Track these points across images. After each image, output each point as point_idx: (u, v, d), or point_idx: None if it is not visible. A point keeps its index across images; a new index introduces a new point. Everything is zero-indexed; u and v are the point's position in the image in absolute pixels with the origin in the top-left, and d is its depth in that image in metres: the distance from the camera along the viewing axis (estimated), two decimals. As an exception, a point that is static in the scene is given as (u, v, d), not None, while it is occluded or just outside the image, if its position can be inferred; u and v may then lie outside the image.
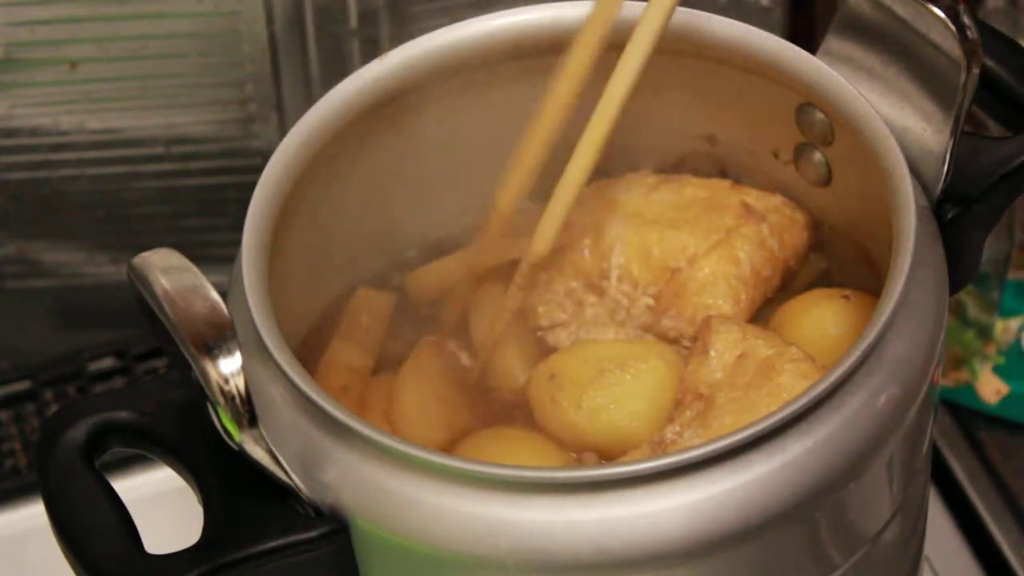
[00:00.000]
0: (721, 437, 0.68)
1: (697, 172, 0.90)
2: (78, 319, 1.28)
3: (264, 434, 0.70)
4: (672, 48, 0.83)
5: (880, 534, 0.76)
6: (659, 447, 0.78)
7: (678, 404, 0.79)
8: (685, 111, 0.88)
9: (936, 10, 0.77)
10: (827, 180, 0.86)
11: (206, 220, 1.24)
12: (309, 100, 0.99)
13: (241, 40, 1.16)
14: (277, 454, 0.70)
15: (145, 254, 0.70)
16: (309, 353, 0.84)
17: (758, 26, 0.83)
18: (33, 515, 1.09)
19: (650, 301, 0.86)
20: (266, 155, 0.80)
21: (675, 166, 0.91)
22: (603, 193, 0.89)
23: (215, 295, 0.69)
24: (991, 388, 1.18)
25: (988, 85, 0.81)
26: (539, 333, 0.87)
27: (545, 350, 0.85)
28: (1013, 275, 1.19)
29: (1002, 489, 1.13)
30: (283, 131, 1.08)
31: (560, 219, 0.82)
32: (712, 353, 0.80)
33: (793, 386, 0.76)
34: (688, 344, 0.84)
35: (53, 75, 1.16)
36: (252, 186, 0.78)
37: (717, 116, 0.89)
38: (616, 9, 0.80)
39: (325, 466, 0.71)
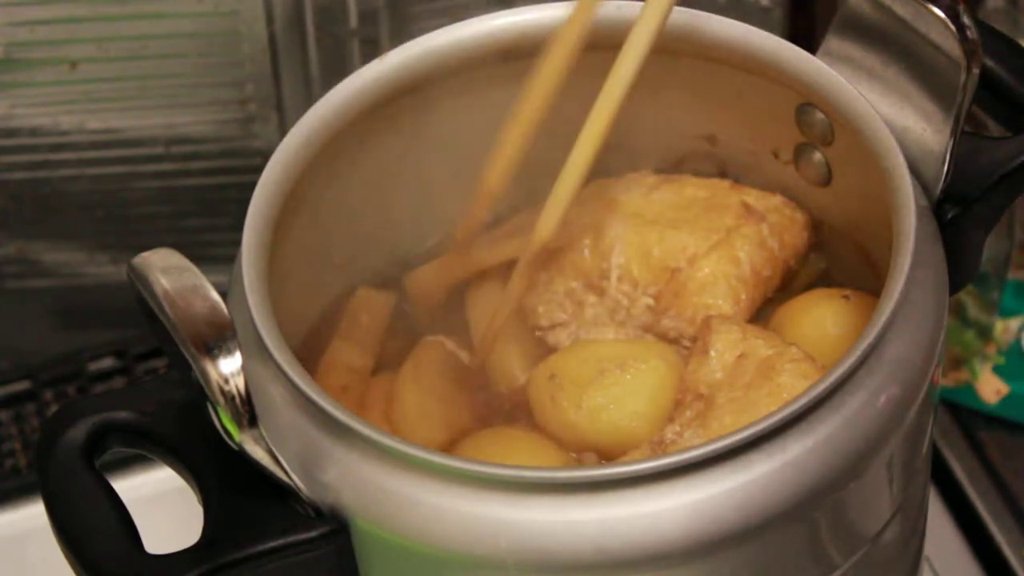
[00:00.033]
0: (721, 437, 0.68)
1: (697, 172, 0.90)
2: (78, 319, 1.28)
3: (264, 434, 0.70)
4: (672, 48, 0.83)
5: (880, 534, 0.76)
6: (659, 447, 0.78)
7: (678, 404, 0.79)
8: (685, 111, 0.88)
9: (936, 10, 0.77)
10: (827, 180, 0.86)
11: (206, 220, 1.24)
12: (309, 100, 0.98)
13: (241, 40, 1.16)
14: (277, 454, 0.70)
15: (145, 254, 0.70)
16: (309, 353, 0.84)
17: (758, 26, 0.83)
18: (33, 515, 1.09)
19: (650, 301, 0.86)
20: (266, 155, 0.80)
21: (675, 166, 0.91)
22: (603, 193, 0.89)
23: (215, 295, 0.69)
24: (991, 388, 1.18)
25: (988, 85, 0.81)
26: (539, 333, 0.87)
27: (545, 350, 0.85)
28: (1013, 275, 1.19)
29: (1002, 489, 1.13)
30: (283, 131, 1.08)
31: (566, 203, 0.81)
32: (712, 353, 0.80)
33: (793, 386, 0.76)
34: (688, 344, 0.84)
35: (53, 75, 1.16)
36: (252, 186, 0.78)
37: (717, 116, 0.89)
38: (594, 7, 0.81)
39: (325, 466, 0.71)
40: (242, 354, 0.68)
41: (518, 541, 0.68)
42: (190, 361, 0.68)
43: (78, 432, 0.74)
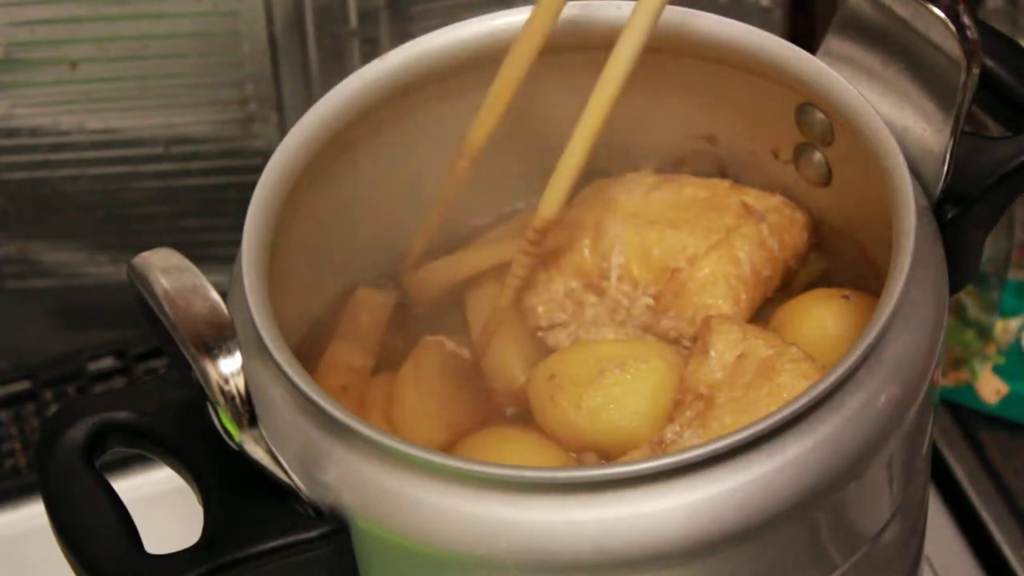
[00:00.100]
0: (721, 437, 0.68)
1: (697, 172, 0.90)
2: (78, 319, 1.28)
3: (264, 434, 0.70)
4: (672, 48, 0.83)
5: (880, 534, 0.76)
6: (659, 447, 0.78)
7: (678, 404, 0.79)
8: (685, 111, 0.88)
9: (936, 10, 0.77)
10: (827, 180, 0.86)
11: (206, 220, 1.24)
12: (309, 100, 0.98)
13: (241, 40, 1.16)
14: (277, 454, 0.70)
15: (145, 254, 0.70)
16: (309, 353, 0.84)
17: (758, 26, 0.83)
18: (33, 515, 1.09)
19: (650, 301, 0.86)
20: (266, 155, 0.80)
21: (675, 166, 0.91)
22: (603, 193, 0.89)
23: (215, 295, 0.69)
24: (991, 388, 1.18)
25: (988, 85, 0.81)
26: (539, 333, 0.87)
27: (545, 350, 0.85)
28: (1013, 275, 1.19)
29: (1002, 489, 1.13)
30: (283, 131, 1.08)
31: (570, 181, 0.81)
32: (712, 353, 0.80)
33: (793, 386, 0.76)
34: (688, 344, 0.84)
35: (53, 75, 1.16)
36: (252, 186, 0.78)
37: (717, 116, 0.89)
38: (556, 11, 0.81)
39: (325, 466, 0.71)
40: (242, 354, 0.68)
41: (518, 541, 0.68)
42: (190, 361, 0.68)
43: (78, 432, 0.74)
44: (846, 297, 0.83)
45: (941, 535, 1.11)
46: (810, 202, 0.88)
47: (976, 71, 0.76)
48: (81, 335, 1.26)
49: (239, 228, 0.77)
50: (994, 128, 0.85)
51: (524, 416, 0.83)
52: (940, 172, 0.79)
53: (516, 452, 0.80)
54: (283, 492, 0.71)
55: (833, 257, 0.88)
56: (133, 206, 1.23)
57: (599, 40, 0.83)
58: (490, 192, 0.88)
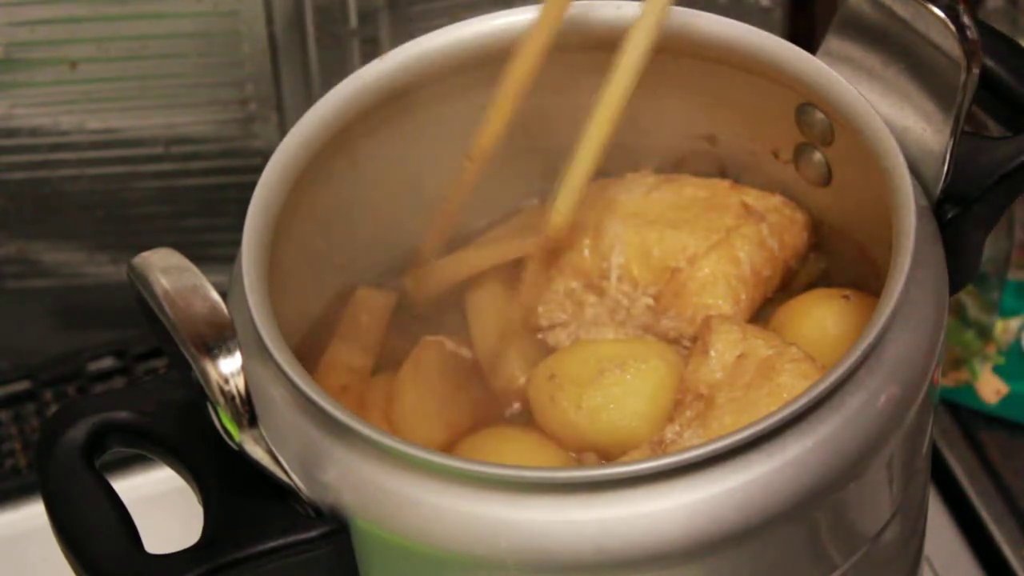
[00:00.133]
0: (721, 437, 0.68)
1: (697, 172, 0.90)
2: (78, 319, 1.28)
3: (264, 434, 0.70)
4: (672, 48, 0.83)
5: (880, 534, 0.76)
6: (659, 447, 0.78)
7: (678, 404, 0.79)
8: (685, 111, 0.88)
9: (936, 10, 0.77)
10: (827, 180, 0.86)
11: (206, 220, 1.24)
12: (309, 100, 0.98)
13: (241, 40, 1.16)
14: (277, 454, 0.70)
15: (145, 254, 0.70)
16: (309, 353, 0.84)
17: (758, 26, 0.83)
18: (33, 515, 1.09)
19: (650, 301, 0.86)
20: (266, 155, 0.80)
21: (675, 166, 0.91)
22: (603, 193, 0.89)
23: (215, 295, 0.69)
24: (991, 388, 1.18)
25: (988, 85, 0.81)
26: (539, 333, 0.87)
27: (545, 350, 0.85)
28: (1013, 275, 1.19)
29: (1002, 489, 1.13)
30: (283, 131, 1.08)
31: (581, 187, 0.81)
32: (712, 353, 0.80)
33: (793, 386, 0.76)
34: (688, 344, 0.84)
35: (53, 75, 1.16)
36: (252, 186, 0.78)
37: (717, 116, 0.89)
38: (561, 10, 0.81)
39: (325, 466, 0.71)
40: (242, 354, 0.68)
41: (518, 541, 0.68)
42: (190, 361, 0.68)
43: (78, 432, 0.74)
44: (846, 297, 0.83)
45: (941, 535, 1.11)
46: (810, 202, 0.88)
47: (976, 71, 0.76)
48: (81, 335, 1.26)
49: (239, 228, 0.77)
50: (994, 128, 0.85)
51: (524, 416, 0.83)
52: (940, 172, 0.79)
53: (516, 452, 0.80)
54: (283, 492, 0.71)
55: (833, 257, 0.88)
56: (133, 206, 1.23)
57: (599, 40, 0.83)
58: (489, 193, 0.88)
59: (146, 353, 1.20)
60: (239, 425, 0.69)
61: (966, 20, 0.76)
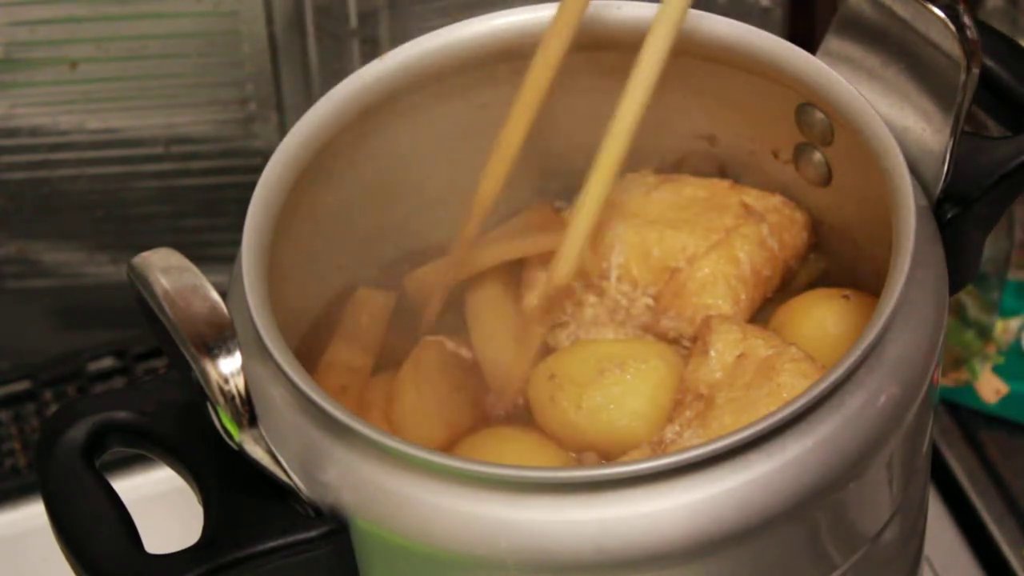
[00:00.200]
0: (721, 437, 0.68)
1: (697, 172, 0.90)
2: (78, 319, 1.28)
3: (264, 434, 0.70)
4: (672, 48, 0.83)
5: (880, 534, 0.76)
6: (659, 447, 0.78)
7: (678, 404, 0.79)
8: (685, 111, 0.88)
9: (936, 10, 0.77)
10: (827, 180, 0.86)
11: (206, 220, 1.24)
12: (309, 100, 0.98)
13: (241, 40, 1.16)
14: (277, 454, 0.70)
15: (145, 254, 0.70)
16: (309, 353, 0.84)
17: (758, 26, 0.83)
18: (33, 515, 1.09)
19: (650, 301, 0.86)
20: (266, 155, 0.80)
21: (675, 166, 0.91)
22: (603, 193, 0.88)
23: (215, 295, 0.69)
24: (991, 388, 1.18)
25: (988, 85, 0.81)
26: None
27: (545, 350, 0.85)
28: (1013, 275, 1.19)
29: (1002, 489, 1.13)
30: (283, 131, 1.08)
31: (582, 239, 0.82)
32: (712, 353, 0.80)
33: (793, 386, 0.76)
34: (688, 344, 0.84)
35: (53, 75, 1.16)
36: (252, 186, 0.78)
37: (717, 116, 0.89)
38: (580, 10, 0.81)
39: (325, 466, 0.71)
40: (242, 354, 0.68)
41: (518, 541, 0.68)
42: (190, 361, 0.68)
43: (78, 432, 0.74)
44: (846, 297, 0.83)
45: (941, 535, 1.11)
46: (810, 202, 0.88)
47: (976, 71, 0.76)
48: (81, 335, 1.26)
49: (239, 228, 0.77)
50: (994, 128, 0.85)
51: (524, 416, 0.83)
52: (940, 172, 0.79)
53: (516, 452, 0.80)
54: (283, 492, 0.71)
55: (833, 257, 0.88)
56: (133, 206, 1.23)
57: (600, 41, 0.83)
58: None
59: (146, 353, 1.20)
60: (239, 425, 0.69)
61: (966, 20, 0.76)
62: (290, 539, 0.70)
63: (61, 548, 0.72)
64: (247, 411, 0.68)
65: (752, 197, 0.87)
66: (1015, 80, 0.82)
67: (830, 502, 0.71)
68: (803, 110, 0.84)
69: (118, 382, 1.19)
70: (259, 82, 1.18)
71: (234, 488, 0.71)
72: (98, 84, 1.17)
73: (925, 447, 0.78)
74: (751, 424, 0.68)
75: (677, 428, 0.78)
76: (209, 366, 0.67)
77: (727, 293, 0.85)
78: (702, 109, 0.88)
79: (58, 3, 1.13)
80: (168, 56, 1.16)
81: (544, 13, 0.84)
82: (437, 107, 0.86)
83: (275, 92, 1.18)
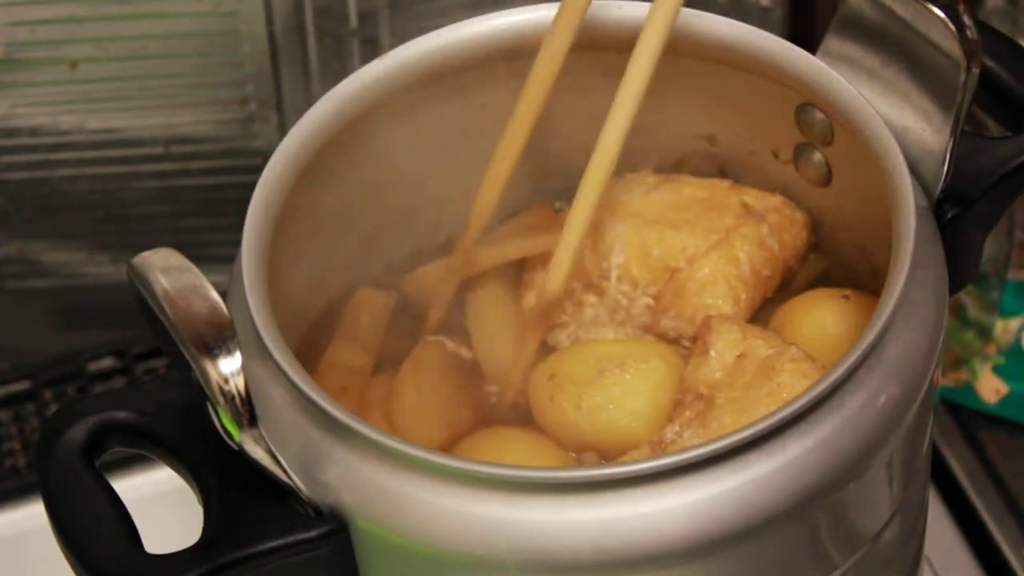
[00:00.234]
0: (721, 437, 0.68)
1: (697, 172, 0.90)
2: (78, 319, 1.28)
3: (264, 434, 0.70)
4: (672, 48, 0.83)
5: (880, 534, 0.76)
6: (659, 447, 0.78)
7: (678, 404, 0.79)
8: (685, 111, 0.88)
9: (936, 10, 0.77)
10: (827, 180, 0.86)
11: (206, 220, 1.24)
12: (309, 100, 0.98)
13: (241, 40, 1.16)
14: (277, 454, 0.70)
15: (145, 254, 0.70)
16: (309, 353, 0.84)
17: (758, 26, 0.83)
18: (33, 515, 1.09)
19: (650, 301, 0.86)
20: (266, 155, 0.80)
21: (675, 166, 0.91)
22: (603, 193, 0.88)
23: (215, 295, 0.69)
24: (991, 388, 1.18)
25: (988, 85, 0.81)
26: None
27: (545, 350, 0.85)
28: (1013, 275, 1.19)
29: (1002, 489, 1.13)
30: (283, 131, 1.08)
31: (572, 254, 0.82)
32: (712, 353, 0.80)
33: (793, 386, 0.76)
34: (688, 344, 0.84)
35: (53, 75, 1.16)
36: (252, 186, 0.78)
37: (717, 116, 0.89)
38: (582, 11, 0.81)
39: (325, 466, 0.71)
40: (242, 354, 0.68)
41: (518, 541, 0.68)
42: (190, 361, 0.68)
43: (78, 432, 0.74)
44: (846, 297, 0.83)
45: (941, 535, 1.11)
46: (810, 202, 0.88)
47: (976, 71, 0.76)
48: (81, 335, 1.26)
49: (239, 228, 0.77)
50: (994, 128, 0.85)
51: (524, 416, 0.83)
52: (940, 172, 0.79)
53: (516, 452, 0.80)
54: (283, 492, 0.71)
55: (833, 257, 0.88)
56: (133, 206, 1.23)
57: (600, 41, 0.83)
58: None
59: (146, 353, 1.20)
60: (239, 425, 0.69)
61: (966, 20, 0.76)
62: (290, 539, 0.70)
63: (61, 548, 0.72)
64: (247, 411, 0.68)
65: (752, 197, 0.87)
66: (1015, 80, 0.82)
67: (830, 502, 0.71)
68: (803, 110, 0.84)
69: (118, 382, 1.19)
70: (259, 82, 1.18)
71: (234, 488, 0.71)
72: (98, 84, 1.17)
73: (925, 447, 0.78)
74: (751, 424, 0.68)
75: (677, 428, 0.78)
76: (209, 366, 0.67)
77: (727, 293, 0.85)
78: (702, 109, 0.88)
79: (58, 3, 1.13)
80: (168, 56, 1.16)
81: (544, 13, 0.84)
82: (437, 107, 0.86)
83: (275, 92, 1.18)
